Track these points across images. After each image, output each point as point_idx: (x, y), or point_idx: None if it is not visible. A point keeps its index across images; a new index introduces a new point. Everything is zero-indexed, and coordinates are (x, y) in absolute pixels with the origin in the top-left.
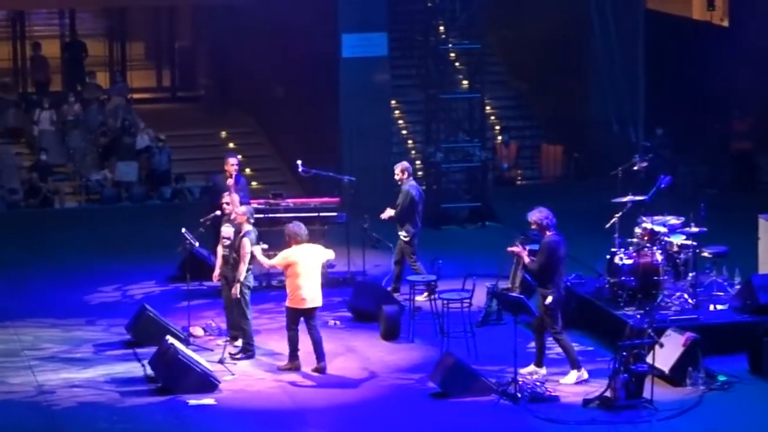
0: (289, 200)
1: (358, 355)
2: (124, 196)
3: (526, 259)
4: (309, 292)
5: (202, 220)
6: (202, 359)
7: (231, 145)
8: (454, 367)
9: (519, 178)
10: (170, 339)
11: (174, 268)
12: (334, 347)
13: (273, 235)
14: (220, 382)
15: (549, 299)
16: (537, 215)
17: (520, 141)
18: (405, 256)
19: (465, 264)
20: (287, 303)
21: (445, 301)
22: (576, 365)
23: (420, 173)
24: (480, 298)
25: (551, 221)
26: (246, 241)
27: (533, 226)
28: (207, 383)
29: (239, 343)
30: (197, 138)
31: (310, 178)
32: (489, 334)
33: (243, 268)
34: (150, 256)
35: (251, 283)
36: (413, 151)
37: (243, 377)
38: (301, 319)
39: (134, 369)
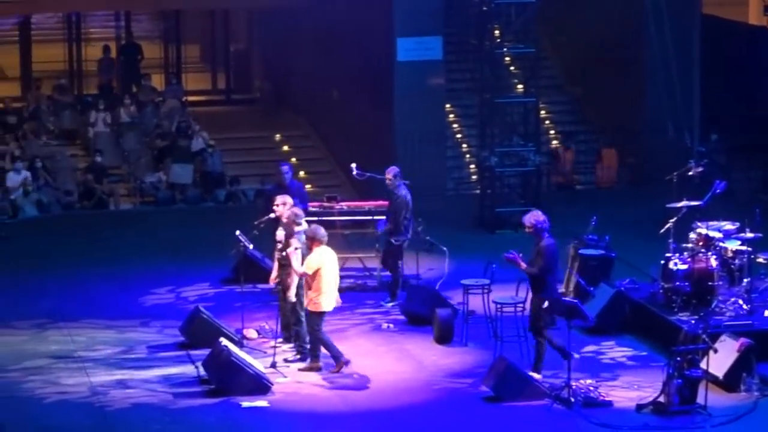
0: (343, 203)
1: (412, 358)
2: (178, 198)
3: (522, 266)
4: (331, 296)
5: (256, 222)
6: (255, 361)
7: (285, 147)
8: (508, 371)
9: (577, 183)
10: (224, 341)
11: (228, 271)
12: (387, 350)
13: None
14: (273, 384)
15: (546, 303)
16: (533, 219)
17: (575, 146)
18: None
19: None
20: (310, 307)
21: (499, 306)
22: (537, 369)
23: (474, 177)
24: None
25: (546, 225)
26: (294, 242)
27: (528, 229)
28: (260, 385)
29: (287, 346)
30: (252, 141)
31: (364, 181)
32: None
33: (295, 269)
34: (204, 259)
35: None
36: (468, 155)
37: (295, 380)
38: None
39: (187, 371)
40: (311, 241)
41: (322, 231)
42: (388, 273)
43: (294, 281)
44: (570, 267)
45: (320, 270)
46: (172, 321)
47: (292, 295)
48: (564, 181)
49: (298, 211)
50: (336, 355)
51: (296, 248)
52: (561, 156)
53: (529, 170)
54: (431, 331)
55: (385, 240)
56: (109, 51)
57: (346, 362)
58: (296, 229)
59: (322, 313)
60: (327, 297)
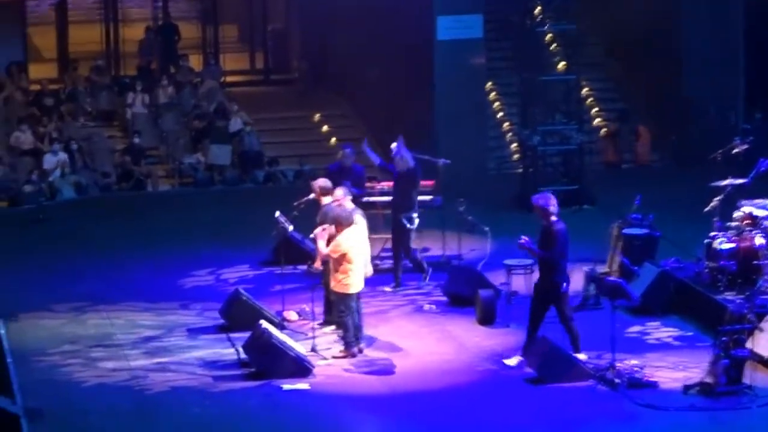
0: (383, 184)
1: (454, 340)
2: (217, 180)
3: (536, 252)
4: (358, 277)
5: (295, 203)
6: (296, 344)
7: (324, 127)
8: (551, 351)
9: (621, 161)
10: (264, 323)
11: (268, 252)
12: (430, 332)
13: (368, 220)
14: (314, 367)
15: (564, 285)
16: (541, 200)
17: (616, 124)
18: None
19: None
20: (336, 289)
21: None
22: (577, 348)
23: (516, 156)
24: (577, 282)
25: (555, 207)
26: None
27: (536, 211)
28: (301, 368)
29: (329, 329)
30: (290, 121)
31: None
32: (586, 319)
33: (320, 250)
34: (244, 240)
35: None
36: (509, 134)
37: (337, 362)
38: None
39: (228, 353)
40: (339, 225)
41: (346, 215)
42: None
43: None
44: (613, 246)
45: (347, 253)
46: (212, 303)
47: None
48: (608, 159)
49: (323, 182)
50: (349, 342)
51: (324, 228)
52: (605, 134)
53: (572, 149)
54: (474, 313)
55: (394, 220)
56: (151, 32)
57: (354, 354)
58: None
59: (349, 296)
60: (354, 279)
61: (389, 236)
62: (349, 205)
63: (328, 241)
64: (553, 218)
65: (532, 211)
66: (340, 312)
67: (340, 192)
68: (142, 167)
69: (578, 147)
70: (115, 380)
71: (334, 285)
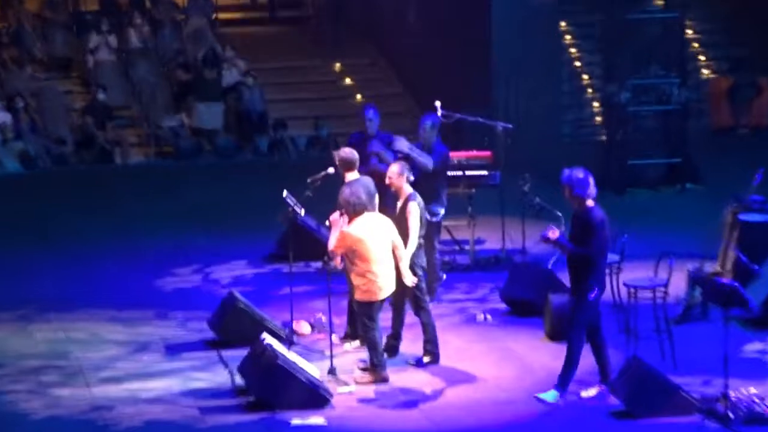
0: None
1: (516, 360)
2: (206, 149)
3: (566, 245)
4: (384, 278)
5: (310, 180)
6: (309, 365)
7: (347, 81)
8: (644, 377)
9: (737, 125)
10: (267, 338)
11: (272, 245)
12: (485, 349)
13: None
14: (332, 396)
15: (594, 292)
16: (572, 178)
17: (730, 76)
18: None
19: (658, 240)
20: (357, 296)
21: (632, 290)
22: (563, 385)
23: (598, 119)
24: (679, 285)
25: (589, 189)
26: (413, 207)
27: (566, 193)
28: (315, 397)
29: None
30: (303, 72)
31: (452, 125)
32: (691, 334)
33: (413, 243)
34: (241, 228)
35: (424, 262)
36: (589, 90)
37: (362, 389)
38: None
39: (219, 377)
40: (350, 212)
41: (356, 199)
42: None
43: (410, 254)
44: (727, 238)
45: (361, 248)
46: (199, 311)
47: (412, 279)
48: (718, 123)
49: (347, 153)
50: (377, 363)
51: (341, 214)
52: (714, 90)
53: (672, 109)
54: (541, 324)
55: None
56: None
57: (384, 379)
58: (406, 190)
59: (372, 304)
60: (379, 282)
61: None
62: (407, 188)
63: None
64: (589, 203)
65: (621, 193)
66: (364, 326)
67: (395, 169)
68: (108, 132)
69: (680, 107)
70: (72, 412)
71: (356, 293)
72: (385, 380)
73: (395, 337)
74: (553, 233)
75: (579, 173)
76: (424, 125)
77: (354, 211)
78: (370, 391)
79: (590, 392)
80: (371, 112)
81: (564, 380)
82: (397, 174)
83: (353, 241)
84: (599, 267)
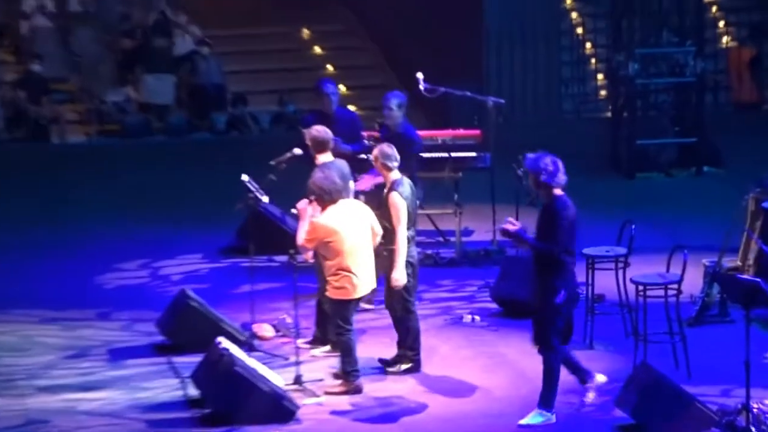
0: None
1: (509, 367)
2: (156, 127)
3: (527, 239)
4: (361, 274)
5: (273, 162)
6: (272, 373)
7: (317, 49)
8: (654, 386)
9: (761, 100)
10: (224, 342)
11: (230, 236)
12: (472, 355)
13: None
14: (298, 408)
15: (562, 294)
16: (535, 165)
17: (753, 45)
18: None
19: (671, 231)
20: (330, 294)
21: (641, 288)
22: (546, 404)
23: (603, 93)
24: (694, 282)
25: (557, 176)
26: (395, 197)
27: (532, 182)
28: (279, 409)
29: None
30: (267, 39)
31: (436, 100)
32: (707, 337)
33: (400, 237)
34: (194, 217)
35: (415, 257)
36: (593, 60)
37: (332, 400)
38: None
39: (170, 387)
40: (322, 200)
41: (329, 184)
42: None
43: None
44: (748, 228)
45: (335, 240)
46: (147, 312)
47: (400, 276)
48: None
49: (389, 149)
50: (350, 371)
51: (312, 201)
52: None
53: (687, 82)
54: None
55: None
56: None
57: (357, 389)
58: (391, 177)
59: (347, 304)
60: (355, 278)
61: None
62: (393, 174)
63: None
64: (556, 192)
65: (630, 176)
66: (337, 327)
67: (385, 150)
68: (44, 107)
69: (696, 79)
70: (1, 426)
71: (329, 291)
72: (358, 390)
73: (411, 348)
74: (512, 225)
75: (546, 158)
76: (388, 104)
77: (328, 198)
78: (342, 402)
79: (590, 396)
80: (331, 86)
81: (547, 399)
82: (384, 156)
83: (326, 233)
84: (566, 267)
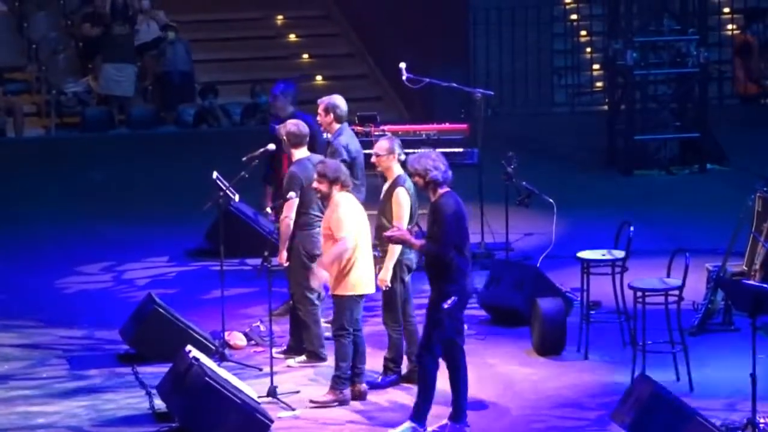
0: (386, 127)
1: (498, 379)
2: (118, 119)
3: (415, 243)
4: (369, 268)
5: (245, 159)
6: (244, 384)
7: (291, 36)
8: (654, 400)
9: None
10: (193, 351)
11: (199, 237)
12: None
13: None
14: (272, 422)
15: (451, 300)
16: (420, 163)
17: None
18: None
19: (672, 232)
20: (338, 291)
21: (640, 294)
22: (419, 417)
23: (599, 84)
24: (697, 288)
25: (444, 173)
26: (402, 194)
27: (415, 179)
28: (251, 422)
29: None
30: (239, 25)
31: (420, 91)
32: (710, 347)
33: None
34: (161, 217)
35: (413, 261)
36: (588, 49)
37: (310, 413)
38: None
39: (134, 399)
40: (335, 183)
41: (345, 171)
42: None
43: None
44: (755, 230)
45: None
46: (109, 318)
47: (386, 277)
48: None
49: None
50: (341, 378)
51: (290, 198)
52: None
53: (690, 72)
54: (529, 335)
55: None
56: None
57: (344, 399)
58: (395, 171)
59: (357, 300)
60: (367, 271)
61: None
62: (396, 169)
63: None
64: (442, 190)
65: (627, 174)
66: (340, 329)
67: (384, 145)
68: None
69: (700, 70)
70: None
71: (336, 287)
72: (345, 401)
73: (393, 360)
74: (397, 230)
75: (431, 154)
76: (274, 95)
77: (344, 183)
78: (320, 415)
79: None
80: (282, 87)
81: (420, 411)
82: (386, 151)
83: (354, 224)
84: (456, 269)
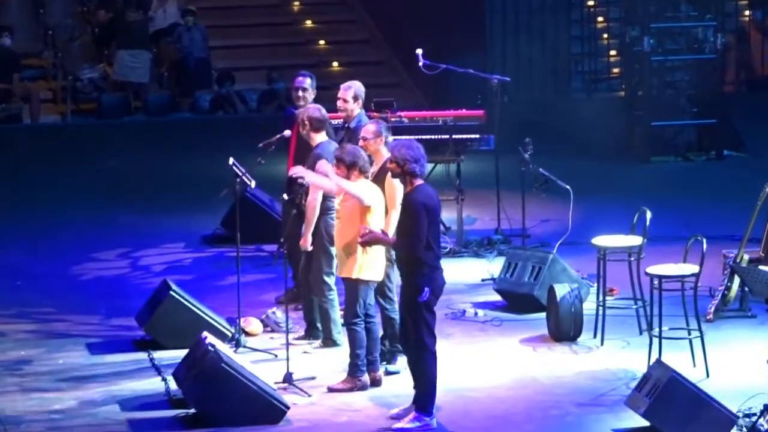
0: (403, 113)
1: (513, 365)
2: (134, 105)
3: (388, 240)
4: (380, 256)
5: (262, 145)
6: (260, 370)
7: (308, 23)
8: (670, 385)
9: None
10: (209, 337)
11: (215, 223)
12: (474, 353)
13: None
14: (288, 408)
15: (426, 293)
16: (400, 152)
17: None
18: None
19: (689, 218)
20: (356, 274)
21: (656, 281)
22: (426, 409)
23: (616, 70)
24: (713, 275)
25: (418, 163)
26: (390, 179)
27: (391, 165)
28: (268, 409)
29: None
30: (254, 12)
31: (437, 78)
32: (727, 333)
33: (393, 219)
34: (177, 203)
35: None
36: (605, 35)
37: (326, 399)
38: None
39: (150, 385)
40: (352, 167)
41: (364, 157)
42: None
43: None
44: None
45: (376, 212)
46: (125, 305)
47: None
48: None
49: (316, 111)
50: (356, 365)
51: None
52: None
53: (707, 59)
54: (545, 322)
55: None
56: None
57: (362, 387)
58: (386, 155)
59: (369, 285)
60: (376, 258)
61: None
62: (384, 152)
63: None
64: (417, 182)
65: (645, 161)
66: (353, 316)
67: (371, 128)
68: (15, 86)
69: (717, 56)
70: None
71: (356, 270)
72: (364, 387)
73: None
74: (369, 232)
75: (413, 145)
76: (303, 88)
77: (364, 168)
78: (336, 401)
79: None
80: (303, 77)
81: (425, 404)
82: (373, 134)
83: (371, 201)
84: (427, 263)
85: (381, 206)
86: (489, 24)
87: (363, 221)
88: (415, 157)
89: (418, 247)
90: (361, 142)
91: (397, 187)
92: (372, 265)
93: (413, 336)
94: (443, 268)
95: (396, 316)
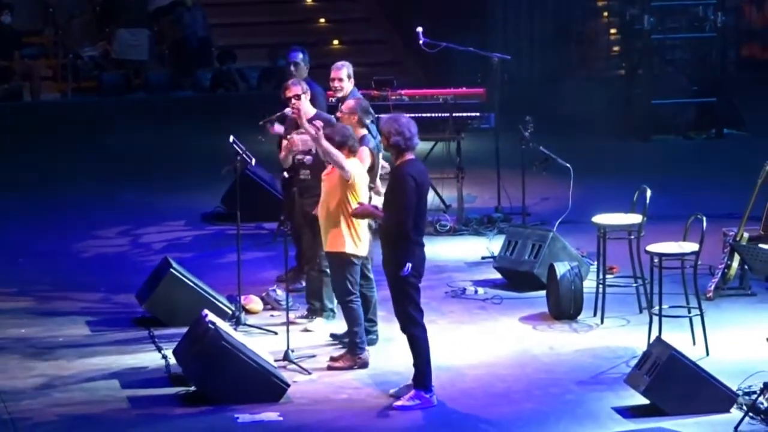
0: (403, 91)
1: (513, 344)
2: (134, 83)
3: (379, 215)
4: (365, 232)
5: (261, 123)
6: (260, 348)
7: (309, 1)
8: (670, 363)
9: None
10: (209, 315)
11: (216, 201)
12: (474, 332)
13: None
14: (288, 386)
15: (408, 267)
16: (387, 124)
17: None
18: None
19: (689, 197)
20: (343, 248)
21: (656, 259)
22: (425, 384)
23: (616, 49)
24: (713, 253)
25: (408, 140)
26: (364, 152)
27: (382, 139)
28: (268, 386)
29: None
30: None
31: (437, 56)
32: (727, 312)
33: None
34: (177, 181)
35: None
36: (605, 13)
37: (326, 377)
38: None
39: (150, 362)
40: (341, 145)
41: (352, 134)
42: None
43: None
44: None
45: (362, 185)
46: (126, 282)
47: None
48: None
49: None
50: (356, 343)
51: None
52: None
53: (707, 37)
54: (545, 300)
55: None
56: None
57: (363, 362)
58: (361, 132)
59: (355, 261)
60: (361, 233)
61: None
62: (360, 129)
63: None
64: (405, 157)
65: (645, 139)
66: (346, 294)
67: (350, 104)
68: (16, 63)
69: (717, 34)
70: None
71: (342, 244)
72: (364, 365)
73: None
74: (360, 206)
75: (402, 119)
76: (295, 63)
77: (353, 145)
78: (335, 379)
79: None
80: (295, 54)
81: (423, 379)
82: (348, 110)
83: (354, 175)
84: (411, 237)
85: (364, 183)
86: (490, 2)
87: (344, 196)
88: (400, 130)
89: (405, 219)
90: (337, 113)
91: (365, 162)
92: (361, 240)
93: (400, 310)
94: (425, 244)
95: (373, 293)
